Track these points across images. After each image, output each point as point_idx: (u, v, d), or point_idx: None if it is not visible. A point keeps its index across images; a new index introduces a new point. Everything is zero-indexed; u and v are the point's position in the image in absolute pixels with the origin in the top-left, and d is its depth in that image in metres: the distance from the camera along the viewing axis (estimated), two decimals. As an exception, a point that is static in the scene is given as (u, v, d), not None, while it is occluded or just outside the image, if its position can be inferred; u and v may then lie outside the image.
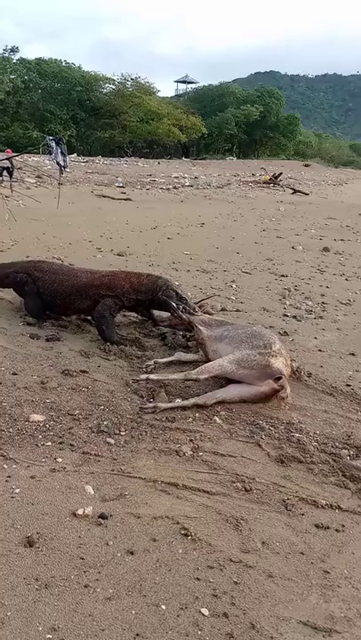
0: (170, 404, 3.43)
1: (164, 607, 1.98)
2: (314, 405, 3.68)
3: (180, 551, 2.26)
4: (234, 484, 2.74)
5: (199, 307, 4.66)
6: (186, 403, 3.45)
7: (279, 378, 3.51)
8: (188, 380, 3.65)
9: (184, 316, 4.31)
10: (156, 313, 4.89)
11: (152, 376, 3.67)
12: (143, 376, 3.68)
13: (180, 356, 4.14)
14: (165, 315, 4.73)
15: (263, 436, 3.21)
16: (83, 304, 4.59)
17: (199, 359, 4.10)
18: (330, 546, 2.39)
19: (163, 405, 3.39)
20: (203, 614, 1.97)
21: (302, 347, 4.77)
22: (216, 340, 3.92)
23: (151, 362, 3.99)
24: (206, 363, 3.75)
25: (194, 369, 3.68)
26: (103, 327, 4.41)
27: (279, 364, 3.56)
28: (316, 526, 2.50)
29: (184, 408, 3.43)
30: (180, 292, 4.58)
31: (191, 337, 4.41)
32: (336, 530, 2.49)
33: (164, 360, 4.05)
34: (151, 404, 3.39)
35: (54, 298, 4.64)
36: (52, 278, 4.66)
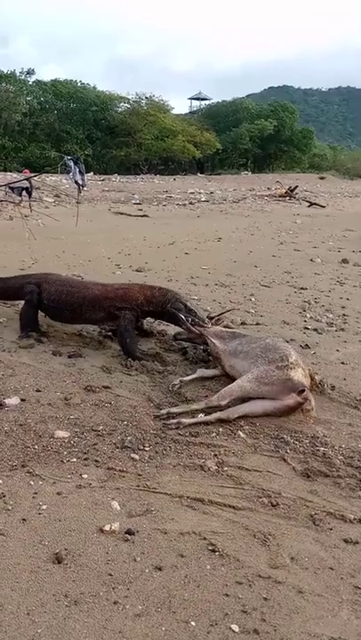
0: (193, 420, 3.42)
1: (193, 623, 1.97)
2: (338, 419, 3.65)
3: (208, 567, 2.25)
4: (260, 499, 2.72)
5: (217, 320, 4.67)
6: (209, 418, 3.44)
7: (302, 390, 3.50)
8: (210, 408, 3.54)
9: (193, 329, 4.35)
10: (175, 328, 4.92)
11: (173, 409, 3.56)
12: (164, 411, 3.55)
13: (203, 372, 4.14)
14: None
15: (288, 451, 3.19)
16: (95, 315, 4.67)
17: (220, 374, 4.10)
18: (360, 561, 2.35)
19: (186, 421, 3.39)
20: (233, 630, 1.95)
21: (325, 360, 4.74)
22: (231, 355, 3.93)
23: (177, 381, 3.98)
24: (224, 375, 3.77)
25: (214, 393, 3.68)
26: (127, 341, 4.45)
27: (299, 375, 3.54)
28: (345, 541, 2.47)
29: (207, 423, 3.43)
30: (188, 304, 4.64)
31: (208, 350, 4.42)
32: (365, 544, 2.46)
33: (189, 378, 4.04)
34: (175, 420, 3.38)
35: (62, 309, 4.74)
36: (60, 289, 4.76)
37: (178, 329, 4.75)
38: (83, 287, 4.82)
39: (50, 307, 4.81)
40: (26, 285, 4.91)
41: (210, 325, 4.46)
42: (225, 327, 4.80)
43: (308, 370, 3.76)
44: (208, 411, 3.54)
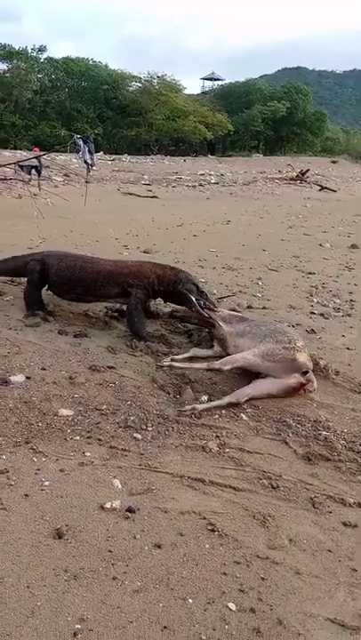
0: (207, 405, 3.42)
1: (191, 601, 2.00)
2: (341, 403, 3.65)
3: (207, 546, 2.27)
4: (260, 481, 2.74)
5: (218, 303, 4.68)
6: (220, 402, 3.44)
7: (306, 372, 3.52)
8: (211, 370, 3.71)
9: (203, 312, 4.31)
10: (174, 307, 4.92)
11: (176, 363, 3.79)
12: (167, 362, 3.81)
13: (196, 351, 4.16)
14: (182, 307, 4.74)
15: (290, 434, 3.20)
16: (110, 291, 4.60)
17: (214, 355, 4.11)
18: (357, 544, 2.37)
19: (200, 407, 3.39)
20: (230, 609, 1.98)
21: (330, 345, 4.73)
22: (238, 336, 3.95)
23: (168, 359, 4.01)
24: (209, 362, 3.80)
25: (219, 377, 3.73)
26: (135, 320, 4.44)
27: (304, 358, 3.58)
28: (344, 524, 2.49)
29: (218, 407, 3.43)
30: (200, 286, 4.59)
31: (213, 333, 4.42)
32: (364, 528, 2.47)
33: (181, 357, 4.07)
34: (189, 407, 3.38)
35: (74, 284, 4.65)
36: (72, 264, 4.68)
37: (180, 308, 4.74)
38: (95, 262, 4.76)
39: (60, 283, 4.73)
40: (29, 263, 4.86)
41: (220, 309, 4.44)
42: (231, 310, 4.81)
43: (311, 356, 3.80)
44: (212, 378, 3.74)
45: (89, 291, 4.65)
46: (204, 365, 3.75)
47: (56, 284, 4.76)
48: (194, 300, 4.37)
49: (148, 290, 4.56)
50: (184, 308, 4.67)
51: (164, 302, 4.99)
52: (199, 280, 5.69)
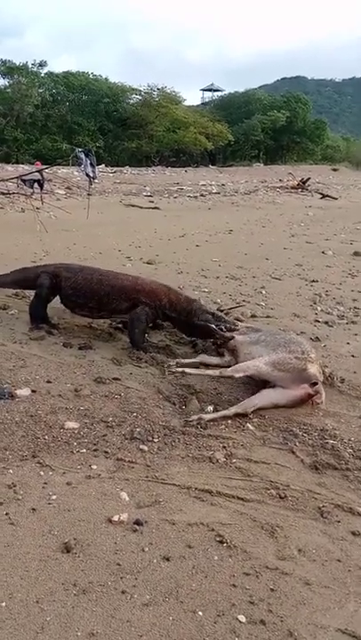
0: (213, 415, 3.41)
1: (200, 614, 1.98)
2: (348, 412, 3.64)
3: (216, 558, 2.26)
4: (268, 491, 2.73)
5: (225, 314, 4.67)
6: (227, 412, 3.43)
7: (315, 383, 3.52)
8: (223, 378, 3.73)
9: (227, 335, 4.20)
10: None
11: (188, 370, 3.82)
12: (179, 368, 3.83)
13: (204, 358, 4.17)
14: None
15: (297, 443, 3.19)
16: (121, 305, 4.55)
17: (222, 363, 4.11)
18: (367, 553, 2.36)
19: (207, 417, 3.38)
20: (240, 621, 1.96)
21: (335, 352, 4.72)
22: (251, 344, 3.94)
23: (173, 362, 4.02)
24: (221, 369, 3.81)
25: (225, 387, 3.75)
26: (136, 330, 4.42)
27: (315, 370, 3.57)
28: (353, 534, 2.47)
29: (225, 417, 3.42)
30: (215, 312, 4.50)
31: (222, 344, 4.39)
32: (373, 537, 2.46)
33: (187, 361, 4.08)
34: (196, 417, 3.37)
35: (89, 299, 4.61)
36: (89, 278, 4.65)
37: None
38: (112, 276, 4.73)
39: (74, 296, 4.66)
40: (40, 275, 4.82)
41: (240, 325, 4.40)
42: (235, 319, 4.81)
43: (322, 370, 3.81)
44: (218, 388, 3.76)
45: (102, 305, 4.61)
46: (216, 372, 3.75)
47: (70, 297, 4.71)
48: (216, 328, 4.24)
49: (157, 311, 4.51)
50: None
51: (179, 332, 4.83)
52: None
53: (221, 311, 4.72)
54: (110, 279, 4.66)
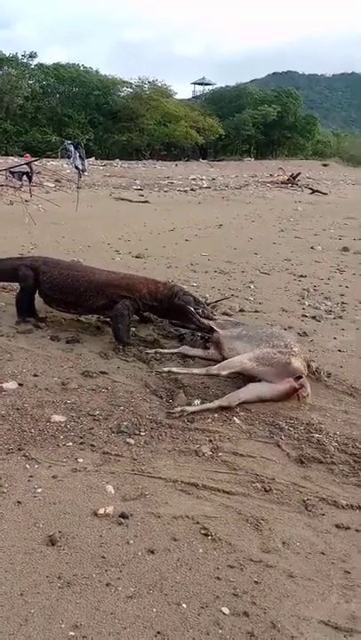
0: (196, 408, 3.43)
1: (184, 606, 1.99)
2: (334, 406, 3.66)
3: (201, 551, 2.27)
4: (253, 485, 2.74)
5: (212, 307, 4.69)
6: (211, 405, 3.45)
7: (300, 377, 3.53)
8: (209, 376, 3.73)
9: (203, 321, 4.30)
10: None
11: (175, 369, 3.81)
12: (166, 369, 3.82)
13: (185, 349, 4.20)
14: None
15: (283, 437, 3.21)
16: (98, 302, 4.54)
17: (204, 356, 4.13)
18: (351, 546, 2.38)
19: (189, 409, 3.39)
20: (223, 613, 1.98)
21: (322, 347, 4.75)
22: (234, 339, 3.95)
23: (152, 351, 4.04)
24: (220, 362, 3.79)
25: (213, 364, 3.77)
26: (119, 326, 4.40)
27: (299, 363, 3.59)
28: (337, 526, 2.49)
29: (208, 410, 3.44)
30: (196, 297, 4.57)
31: (209, 338, 4.42)
32: (357, 530, 2.48)
33: (167, 351, 4.09)
34: (178, 409, 3.38)
35: (66, 294, 4.60)
36: (65, 273, 4.64)
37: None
38: (89, 272, 4.73)
39: (51, 291, 4.66)
40: (20, 268, 4.79)
41: (217, 316, 4.45)
42: (223, 314, 4.83)
43: (307, 364, 3.82)
44: (205, 382, 3.77)
45: (79, 301, 4.60)
46: (203, 371, 3.74)
47: (47, 292, 4.70)
48: (193, 310, 4.35)
49: (139, 304, 4.51)
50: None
51: (158, 318, 4.92)
52: (191, 285, 5.71)
53: (208, 304, 4.73)
54: (86, 275, 4.64)
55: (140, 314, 4.87)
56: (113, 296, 4.50)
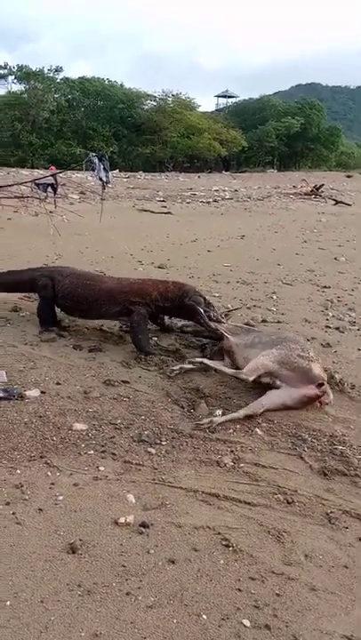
0: (223, 418, 3.39)
1: (205, 617, 1.97)
2: (358, 418, 3.61)
3: (222, 562, 2.25)
4: (275, 496, 2.71)
5: (225, 317, 4.68)
6: (236, 415, 3.42)
7: (322, 384, 3.50)
8: (238, 379, 3.72)
9: (211, 324, 4.31)
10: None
11: (206, 361, 3.98)
12: (198, 359, 3.99)
13: (208, 362, 4.17)
14: (191, 322, 4.76)
15: (305, 449, 3.17)
16: (112, 309, 4.59)
17: (226, 371, 4.11)
18: (375, 560, 2.33)
19: (217, 420, 3.37)
20: (244, 625, 1.95)
21: (345, 358, 4.69)
22: (247, 347, 3.93)
23: (177, 367, 4.03)
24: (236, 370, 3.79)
25: (232, 390, 3.81)
26: (139, 336, 4.43)
27: (319, 369, 3.56)
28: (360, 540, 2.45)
29: (234, 420, 3.41)
30: (207, 298, 4.60)
31: (215, 344, 4.43)
32: (381, 544, 2.43)
33: (189, 367, 4.08)
34: (206, 420, 3.36)
35: (79, 302, 4.67)
36: (77, 282, 4.70)
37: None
38: (99, 280, 4.80)
39: (64, 299, 4.73)
40: (38, 279, 4.88)
41: (226, 322, 4.46)
42: (246, 324, 4.81)
43: (329, 373, 3.81)
44: (226, 392, 3.80)
45: (92, 309, 4.66)
46: (232, 372, 3.76)
47: (60, 300, 4.79)
48: (202, 311, 4.37)
49: (151, 307, 4.55)
50: (192, 322, 4.67)
51: (170, 318, 4.99)
52: (213, 295, 5.70)
53: (221, 314, 4.73)
54: (96, 283, 4.71)
55: (160, 323, 4.90)
56: (125, 302, 4.55)
